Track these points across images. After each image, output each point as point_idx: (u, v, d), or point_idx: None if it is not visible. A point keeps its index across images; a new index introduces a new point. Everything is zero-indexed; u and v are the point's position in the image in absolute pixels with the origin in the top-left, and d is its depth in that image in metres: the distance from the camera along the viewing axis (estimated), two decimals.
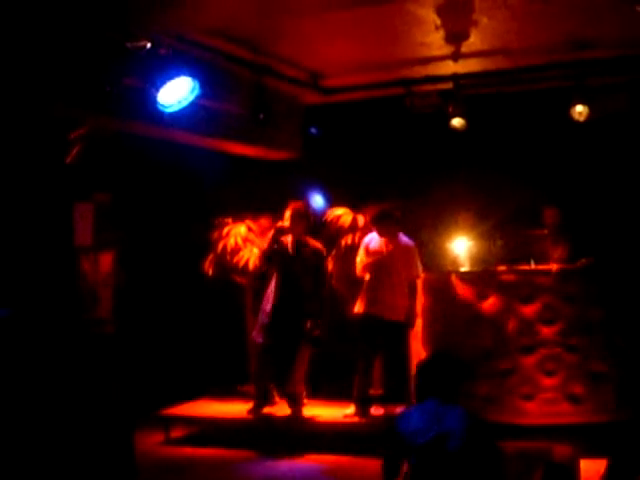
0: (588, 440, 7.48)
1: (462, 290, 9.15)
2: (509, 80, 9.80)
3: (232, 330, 10.91)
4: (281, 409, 9.57)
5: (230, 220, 10.38)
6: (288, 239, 9.37)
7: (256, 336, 9.50)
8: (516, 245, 9.69)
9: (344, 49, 8.91)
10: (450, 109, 9.77)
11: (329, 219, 10.00)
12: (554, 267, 9.07)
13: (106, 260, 9.50)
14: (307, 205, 9.61)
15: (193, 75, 7.46)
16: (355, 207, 10.01)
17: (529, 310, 8.93)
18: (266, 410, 9.55)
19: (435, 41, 8.51)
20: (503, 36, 8.52)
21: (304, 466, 8.62)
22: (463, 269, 9.60)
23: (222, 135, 9.58)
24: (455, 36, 8.35)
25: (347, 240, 9.83)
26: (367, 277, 9.28)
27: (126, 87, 7.45)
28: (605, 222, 9.94)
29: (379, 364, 9.41)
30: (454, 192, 10.52)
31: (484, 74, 9.69)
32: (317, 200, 10.58)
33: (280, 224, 9.35)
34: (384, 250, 9.20)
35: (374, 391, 9.47)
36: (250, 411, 9.48)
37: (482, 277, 9.25)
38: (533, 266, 9.27)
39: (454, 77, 9.66)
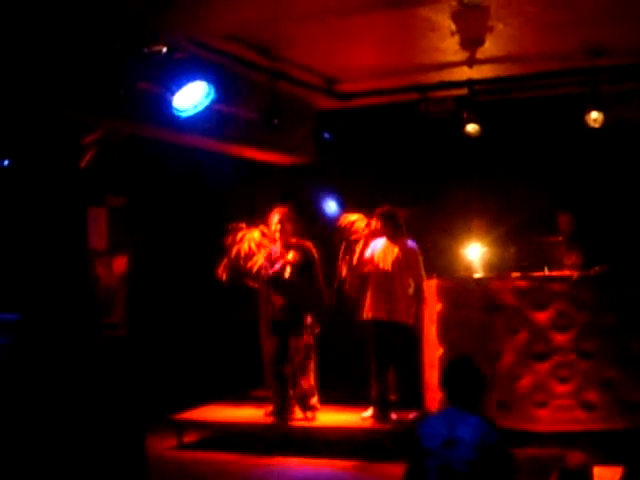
0: (602, 447, 7.47)
1: (476, 296, 9.13)
2: (524, 86, 9.81)
3: (245, 335, 10.92)
4: (295, 414, 9.58)
5: (244, 225, 10.39)
6: (275, 248, 9.52)
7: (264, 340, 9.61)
8: (530, 251, 9.66)
9: (359, 54, 8.93)
10: (465, 115, 9.76)
11: (343, 225, 10.01)
12: (575, 274, 9.04)
13: (120, 263, 9.53)
14: (293, 208, 9.67)
15: (208, 80, 7.48)
16: (369, 212, 9.99)
17: (543, 317, 8.90)
18: (281, 415, 9.56)
19: (450, 47, 8.50)
20: (518, 42, 8.53)
21: (317, 471, 8.60)
22: (477, 275, 9.58)
23: (236, 140, 9.60)
24: (470, 42, 8.33)
25: (360, 246, 9.83)
26: (370, 282, 9.37)
27: (141, 91, 7.48)
28: (619, 229, 9.92)
29: (392, 370, 9.40)
30: (468, 198, 10.51)
31: (499, 80, 9.69)
32: (330, 205, 10.59)
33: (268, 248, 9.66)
34: (386, 254, 9.27)
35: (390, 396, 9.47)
36: (269, 414, 9.53)
37: (496, 283, 9.22)
38: (547, 272, 9.25)
39: (469, 83, 9.65)
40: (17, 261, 8.65)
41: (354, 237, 9.81)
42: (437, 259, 9.87)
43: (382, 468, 8.24)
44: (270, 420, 9.45)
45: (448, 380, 5.17)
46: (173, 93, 7.37)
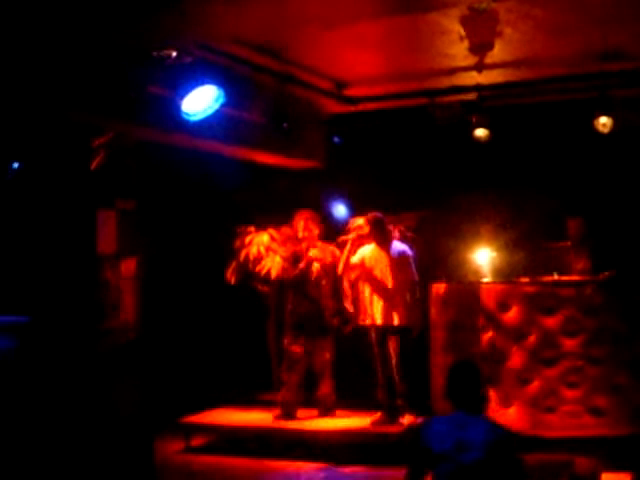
0: (610, 453, 7.44)
1: (484, 301, 9.13)
2: (533, 91, 9.80)
3: (254, 338, 10.92)
4: (303, 417, 9.59)
5: (253, 229, 10.40)
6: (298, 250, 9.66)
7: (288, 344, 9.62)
8: (539, 256, 9.66)
9: (369, 59, 8.93)
10: (474, 120, 9.75)
11: (351, 228, 9.99)
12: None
13: (129, 267, 9.53)
14: (316, 212, 9.82)
15: (218, 84, 7.49)
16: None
17: (552, 322, 8.90)
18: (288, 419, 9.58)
19: (459, 52, 8.50)
20: (527, 47, 8.52)
21: (325, 475, 8.61)
22: (485, 280, 9.56)
23: (246, 143, 9.60)
24: (479, 47, 8.35)
25: (346, 251, 9.80)
26: (364, 288, 9.45)
27: (151, 95, 7.50)
28: (628, 234, 9.90)
29: (397, 374, 9.39)
30: (477, 203, 10.50)
31: (508, 85, 9.68)
32: (339, 209, 10.60)
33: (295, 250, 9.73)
34: (378, 260, 9.32)
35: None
36: (278, 417, 9.57)
37: (505, 288, 9.21)
38: (556, 277, 9.24)
39: (478, 88, 9.65)
40: (26, 264, 8.66)
41: (340, 239, 9.77)
42: (445, 263, 9.86)
43: (390, 472, 8.23)
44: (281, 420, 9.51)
45: (452, 384, 5.17)
46: (183, 97, 7.39)
